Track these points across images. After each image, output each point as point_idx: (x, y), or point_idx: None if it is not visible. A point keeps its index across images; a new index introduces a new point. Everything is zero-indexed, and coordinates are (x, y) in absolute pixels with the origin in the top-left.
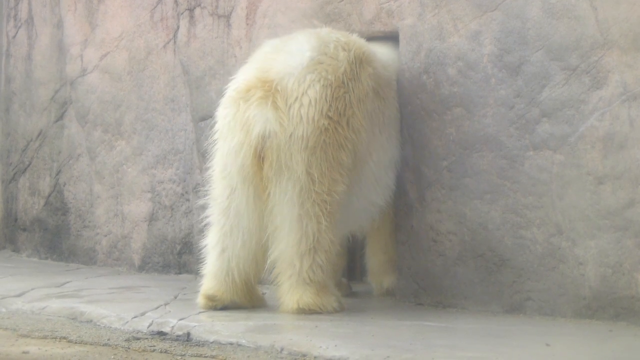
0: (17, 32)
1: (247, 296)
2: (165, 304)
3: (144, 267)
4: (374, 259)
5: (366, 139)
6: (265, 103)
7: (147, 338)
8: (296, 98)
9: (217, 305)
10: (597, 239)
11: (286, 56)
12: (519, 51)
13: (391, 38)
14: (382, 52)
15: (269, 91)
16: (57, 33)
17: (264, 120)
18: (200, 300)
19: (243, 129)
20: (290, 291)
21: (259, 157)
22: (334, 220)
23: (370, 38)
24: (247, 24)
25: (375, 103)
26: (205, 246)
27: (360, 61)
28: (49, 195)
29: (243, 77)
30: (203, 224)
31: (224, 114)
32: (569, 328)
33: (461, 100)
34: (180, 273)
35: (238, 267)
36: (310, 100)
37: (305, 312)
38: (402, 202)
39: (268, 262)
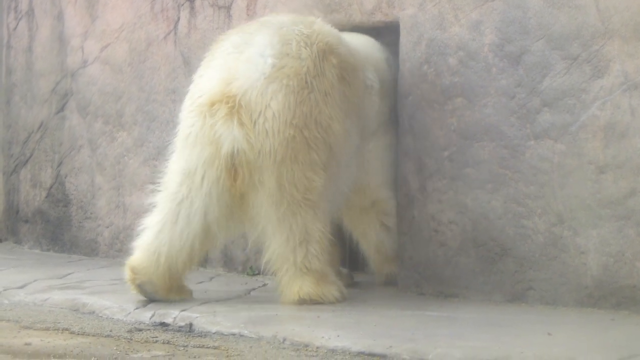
0: (17, 24)
1: (168, 282)
2: None
3: None
4: (371, 258)
5: (338, 131)
6: (231, 120)
7: (149, 329)
8: (260, 112)
9: (137, 279)
10: (599, 228)
11: (248, 65)
12: (520, 41)
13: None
14: (353, 39)
15: (234, 107)
16: (58, 25)
17: (231, 138)
18: (125, 270)
19: (212, 144)
20: (289, 283)
21: (231, 171)
22: (320, 210)
23: (371, 28)
24: (248, 15)
25: (341, 90)
26: (144, 225)
27: (323, 54)
28: (51, 187)
29: (207, 87)
30: None
31: (191, 122)
32: (571, 317)
33: (462, 90)
34: None
35: (168, 251)
36: (274, 113)
37: (306, 302)
38: (404, 192)
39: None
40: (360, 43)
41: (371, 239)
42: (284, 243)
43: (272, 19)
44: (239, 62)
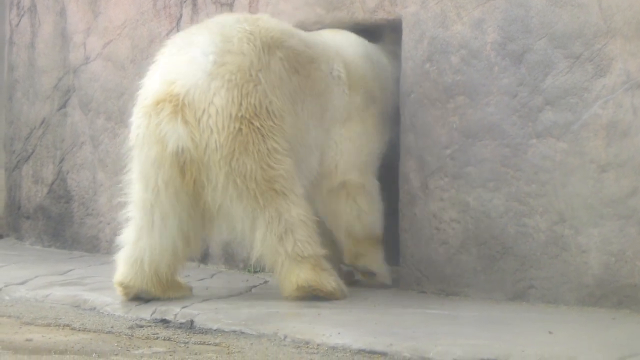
0: (20, 20)
1: (160, 285)
2: None
3: None
4: (343, 243)
5: (291, 121)
6: (175, 119)
7: (150, 326)
8: (204, 110)
9: (129, 293)
10: (600, 227)
11: (190, 65)
12: (523, 39)
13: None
14: (328, 35)
15: (177, 106)
16: (60, 21)
17: (176, 137)
18: (115, 288)
19: (158, 143)
20: (287, 275)
21: (181, 169)
22: (295, 195)
23: (373, 26)
24: (250, 11)
25: (294, 83)
26: (121, 239)
27: (268, 47)
28: (53, 183)
29: (151, 87)
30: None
31: (138, 123)
32: (572, 316)
33: (464, 88)
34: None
35: (151, 257)
36: (217, 109)
37: (306, 290)
38: (405, 190)
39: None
40: (333, 39)
41: (341, 220)
42: (267, 237)
43: (215, 19)
44: (182, 62)
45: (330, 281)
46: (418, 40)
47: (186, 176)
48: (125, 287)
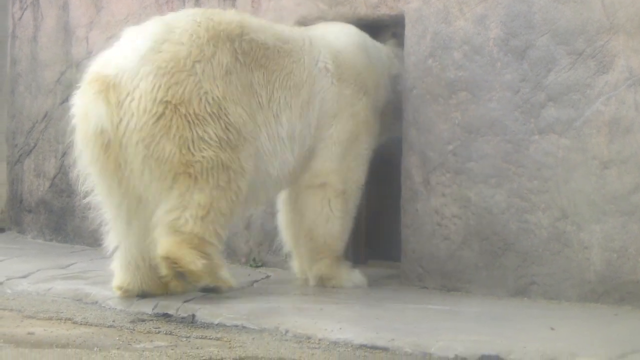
0: (22, 14)
1: (159, 280)
2: None
3: None
4: (301, 246)
5: (244, 113)
6: (98, 99)
7: (152, 320)
8: (128, 93)
9: (130, 296)
10: (603, 224)
11: (128, 50)
12: (525, 35)
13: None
14: (320, 27)
15: (103, 86)
16: (63, 15)
17: (97, 116)
18: (116, 291)
19: (84, 122)
20: (158, 243)
21: (105, 150)
22: (205, 182)
23: (376, 21)
24: (253, 7)
25: (256, 75)
26: (110, 248)
27: (217, 39)
28: (55, 177)
29: (91, 69)
30: None
31: (73, 103)
32: (574, 312)
33: (467, 84)
34: None
35: (139, 253)
36: (141, 94)
37: (166, 261)
38: (407, 186)
39: None
40: (325, 31)
41: (307, 219)
42: (161, 211)
43: (176, 13)
44: (124, 47)
45: (195, 261)
46: (421, 35)
47: (109, 157)
48: (125, 291)
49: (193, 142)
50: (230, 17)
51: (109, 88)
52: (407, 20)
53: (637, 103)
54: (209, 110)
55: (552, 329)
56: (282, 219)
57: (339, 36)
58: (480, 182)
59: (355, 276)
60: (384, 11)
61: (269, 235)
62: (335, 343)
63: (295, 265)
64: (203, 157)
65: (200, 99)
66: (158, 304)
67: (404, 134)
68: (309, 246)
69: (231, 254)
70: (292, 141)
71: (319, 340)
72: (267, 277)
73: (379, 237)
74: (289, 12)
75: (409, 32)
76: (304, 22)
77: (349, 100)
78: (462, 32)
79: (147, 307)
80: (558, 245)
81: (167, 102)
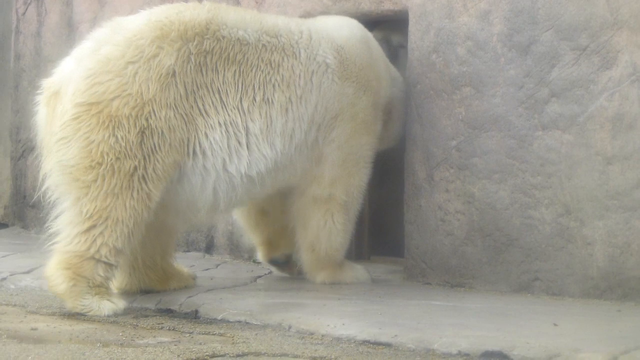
0: (26, 9)
1: (155, 277)
2: None
3: None
4: (303, 255)
5: (177, 117)
6: (42, 105)
7: (155, 315)
8: (62, 96)
9: (128, 292)
10: (606, 219)
11: (72, 54)
12: (529, 31)
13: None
14: (319, 20)
15: (48, 92)
16: (67, 10)
17: (39, 123)
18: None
19: (35, 129)
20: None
21: None
22: (100, 190)
23: (380, 17)
24: (257, 3)
25: (209, 76)
26: None
27: (163, 40)
28: None
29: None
30: None
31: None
32: (577, 308)
33: (470, 79)
34: (188, 251)
35: (131, 256)
36: (68, 97)
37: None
38: (410, 181)
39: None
40: (325, 24)
41: (310, 232)
42: (61, 222)
43: (143, 12)
44: (76, 51)
45: (61, 283)
46: (424, 31)
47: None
48: (125, 292)
49: (98, 145)
50: (198, 14)
51: (51, 94)
52: (410, 16)
53: None
54: (126, 112)
55: (555, 324)
56: (245, 216)
57: (341, 30)
58: (483, 177)
59: (359, 273)
60: (387, 6)
61: None
62: (338, 339)
63: (260, 254)
64: (100, 162)
65: (120, 101)
66: (161, 300)
67: (408, 130)
68: (311, 257)
69: (234, 249)
70: (271, 135)
71: (322, 336)
72: (270, 272)
73: (382, 233)
74: (293, 8)
75: (413, 27)
76: (307, 18)
77: (351, 100)
78: (466, 28)
79: (150, 303)
80: (561, 241)
81: (83, 103)
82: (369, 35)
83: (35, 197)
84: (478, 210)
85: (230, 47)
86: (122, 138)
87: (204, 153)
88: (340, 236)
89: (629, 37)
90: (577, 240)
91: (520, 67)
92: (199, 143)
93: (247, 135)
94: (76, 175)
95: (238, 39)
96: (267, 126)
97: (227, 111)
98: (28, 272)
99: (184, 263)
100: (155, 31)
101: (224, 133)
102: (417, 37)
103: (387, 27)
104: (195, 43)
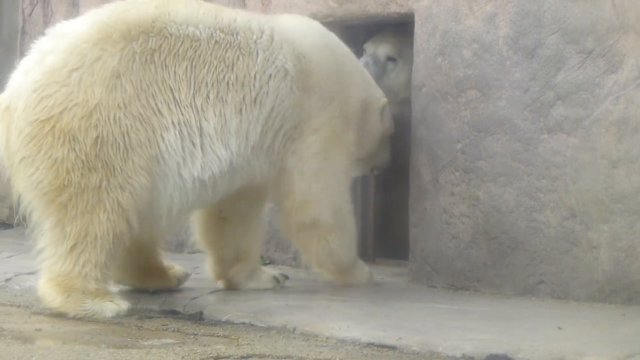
0: (32, 10)
1: (140, 276)
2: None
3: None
4: (313, 264)
5: (129, 118)
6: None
7: (159, 317)
8: (14, 112)
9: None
10: (611, 223)
11: (20, 66)
12: (535, 34)
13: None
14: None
15: (2, 109)
16: (73, 11)
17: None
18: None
19: None
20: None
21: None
22: (72, 213)
23: (386, 19)
24: (263, 4)
25: (159, 74)
26: None
27: (106, 41)
28: None
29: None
30: None
31: None
32: (582, 311)
33: (476, 82)
34: (193, 252)
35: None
36: (19, 113)
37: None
38: (416, 184)
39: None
40: (287, 25)
41: (312, 256)
42: (40, 244)
43: (90, 12)
44: (21, 64)
45: (55, 299)
46: (430, 33)
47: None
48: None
49: (62, 163)
50: (144, 11)
51: (3, 110)
52: (416, 18)
53: None
54: (77, 124)
55: (560, 328)
56: (201, 226)
57: (306, 36)
58: (489, 180)
59: (364, 276)
60: (393, 9)
61: (277, 233)
62: (343, 341)
63: (209, 268)
64: (70, 180)
65: (69, 113)
66: (166, 301)
67: (413, 133)
68: (323, 272)
69: None
70: (226, 135)
71: (327, 338)
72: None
73: (387, 235)
74: (298, 9)
75: (419, 30)
76: (314, 20)
77: (312, 112)
78: (472, 31)
79: (154, 304)
80: (566, 244)
81: (36, 120)
82: (335, 41)
83: (15, 218)
84: (483, 213)
85: (180, 43)
86: (80, 152)
87: (162, 156)
88: (343, 253)
89: (635, 41)
90: (582, 244)
91: (526, 70)
92: (157, 145)
93: (201, 135)
94: (51, 197)
95: (187, 35)
96: (222, 125)
97: (180, 109)
98: (33, 272)
99: (188, 264)
100: (97, 34)
101: (177, 134)
102: (422, 39)
103: (378, 40)
104: (139, 42)
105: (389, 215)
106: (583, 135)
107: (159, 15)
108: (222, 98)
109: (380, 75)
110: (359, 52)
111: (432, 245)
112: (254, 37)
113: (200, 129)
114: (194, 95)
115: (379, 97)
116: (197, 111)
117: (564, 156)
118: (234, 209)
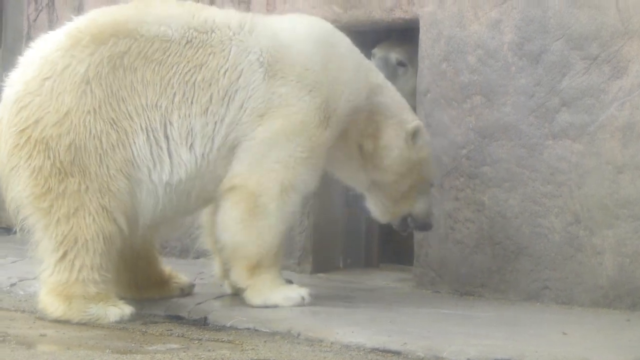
0: (37, 16)
1: (139, 288)
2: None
3: (162, 251)
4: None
5: (100, 123)
6: None
7: (164, 322)
8: (1, 126)
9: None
10: (615, 228)
11: (7, 83)
12: (540, 40)
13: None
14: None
15: None
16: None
17: None
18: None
19: None
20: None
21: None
22: (56, 221)
23: (391, 25)
24: (268, 10)
25: (127, 77)
26: None
27: (76, 47)
28: None
29: None
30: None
31: None
32: (586, 317)
33: (481, 88)
34: (197, 258)
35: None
36: (2, 125)
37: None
38: None
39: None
40: (275, 22)
41: (217, 228)
42: (36, 255)
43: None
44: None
45: (57, 308)
46: (435, 39)
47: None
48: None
49: (40, 171)
50: (120, 14)
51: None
52: (421, 24)
53: None
54: (51, 132)
55: (565, 333)
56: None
57: (294, 28)
58: (493, 186)
59: (285, 291)
60: (398, 15)
61: None
62: (347, 346)
63: (216, 267)
64: (49, 187)
65: (43, 121)
66: (170, 306)
67: None
68: (223, 255)
69: None
70: (191, 138)
71: (331, 343)
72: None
73: (391, 241)
74: None
75: (424, 35)
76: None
77: (284, 100)
78: (477, 36)
79: (159, 309)
80: (571, 249)
81: (17, 130)
82: (338, 39)
83: (15, 228)
84: (488, 218)
85: (149, 45)
86: (55, 159)
87: (135, 161)
88: (258, 231)
89: (639, 47)
90: (587, 249)
91: (531, 76)
92: (131, 150)
93: (166, 139)
94: (35, 205)
95: (158, 35)
96: (186, 127)
97: (147, 113)
98: (37, 278)
99: (193, 270)
100: (68, 40)
101: (146, 139)
102: (427, 45)
103: (388, 45)
104: (109, 45)
105: None
106: (588, 141)
107: (132, 17)
108: (187, 99)
109: (390, 80)
110: (366, 56)
111: (436, 251)
112: (231, 32)
113: (165, 133)
114: (159, 98)
115: (410, 120)
116: (162, 114)
117: (569, 162)
118: None
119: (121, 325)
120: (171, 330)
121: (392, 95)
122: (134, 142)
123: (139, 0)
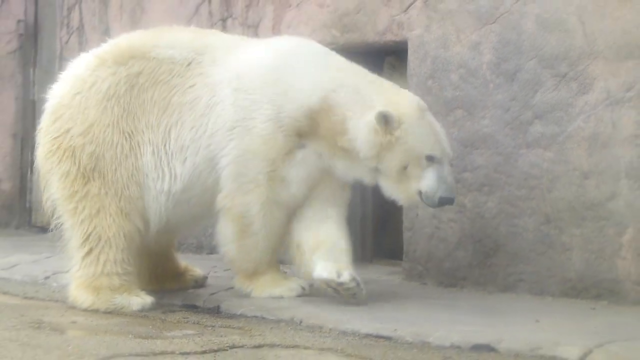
0: (69, 38)
1: (157, 280)
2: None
3: (179, 247)
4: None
5: (117, 135)
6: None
7: (181, 311)
8: (41, 132)
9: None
10: (582, 228)
11: (49, 96)
12: (515, 60)
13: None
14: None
15: (38, 130)
16: (104, 39)
17: (37, 157)
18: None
19: None
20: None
21: None
22: (85, 219)
23: (384, 47)
24: (273, 34)
25: (141, 97)
26: None
27: (102, 66)
28: None
29: None
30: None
31: None
32: (556, 306)
33: (462, 103)
34: (211, 253)
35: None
36: (42, 133)
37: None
38: None
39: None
40: (264, 41)
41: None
42: (73, 253)
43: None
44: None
45: (85, 300)
46: (422, 59)
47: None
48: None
49: (67, 175)
50: (139, 38)
51: (38, 130)
52: (410, 46)
53: (614, 121)
54: (78, 141)
55: (537, 321)
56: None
57: (266, 45)
58: (474, 190)
59: (286, 284)
60: (389, 38)
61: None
62: (344, 332)
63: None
64: (75, 190)
65: (72, 131)
66: (186, 297)
67: None
68: (225, 263)
69: None
70: (184, 153)
71: (330, 329)
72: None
73: (384, 238)
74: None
75: (412, 56)
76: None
77: (247, 113)
78: (459, 57)
79: (176, 299)
80: (542, 246)
81: (50, 138)
82: (299, 51)
83: (51, 227)
84: (469, 219)
85: (159, 66)
86: (80, 165)
87: (144, 171)
88: (237, 248)
89: (604, 66)
90: (557, 246)
91: (507, 92)
92: (141, 160)
93: (166, 154)
94: (64, 206)
95: (166, 58)
96: (180, 143)
97: (153, 130)
98: (69, 271)
99: (207, 264)
100: (96, 61)
101: (151, 152)
102: (415, 64)
103: (398, 57)
104: (127, 66)
105: (386, 219)
106: (558, 150)
107: (148, 40)
108: (181, 117)
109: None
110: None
111: (423, 247)
112: (218, 54)
113: (165, 148)
114: (162, 116)
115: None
116: (164, 131)
117: (541, 168)
118: None
119: (143, 313)
120: (187, 318)
121: (350, 93)
122: (144, 155)
123: (160, 26)
